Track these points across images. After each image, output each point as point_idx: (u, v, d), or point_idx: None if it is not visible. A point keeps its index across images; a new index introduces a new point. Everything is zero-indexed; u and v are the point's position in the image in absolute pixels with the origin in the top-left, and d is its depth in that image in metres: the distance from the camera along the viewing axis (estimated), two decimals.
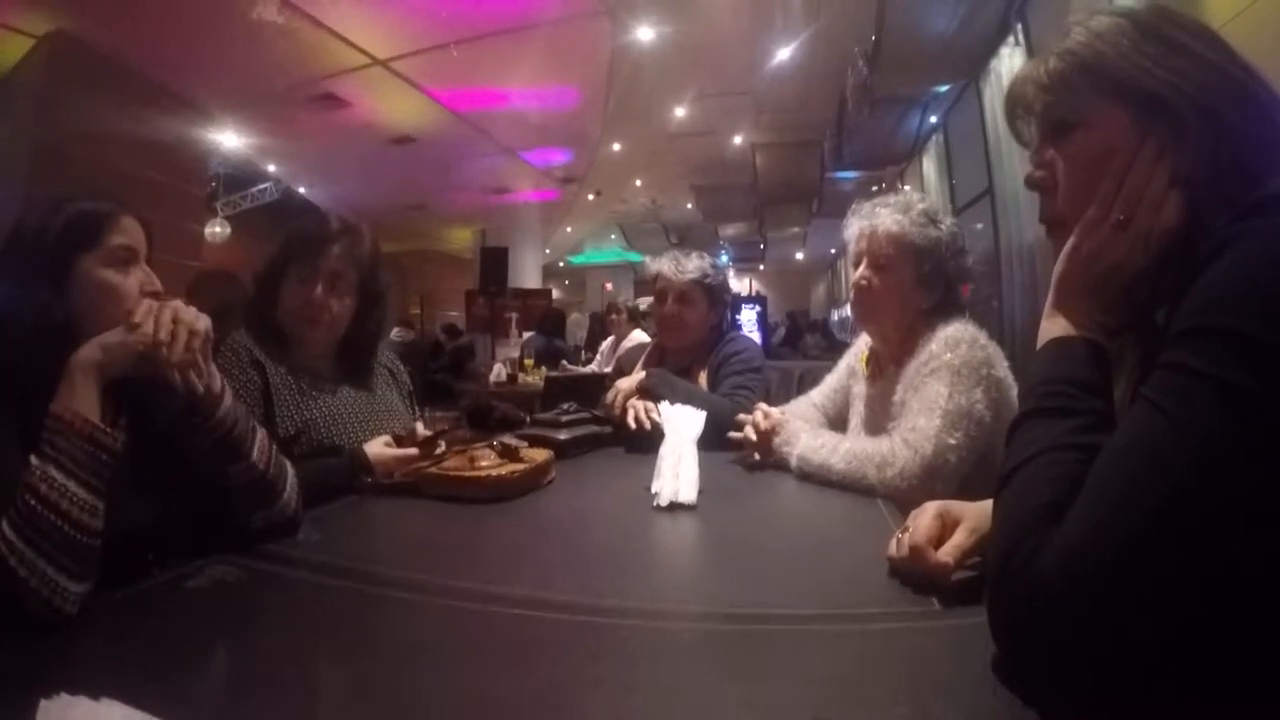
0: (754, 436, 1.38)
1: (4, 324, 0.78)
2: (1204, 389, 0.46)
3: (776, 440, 1.34)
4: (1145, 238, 0.58)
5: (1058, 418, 0.56)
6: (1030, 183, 0.67)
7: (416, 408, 1.55)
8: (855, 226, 1.39)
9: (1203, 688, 0.45)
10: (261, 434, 0.93)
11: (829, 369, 1.68)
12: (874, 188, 7.79)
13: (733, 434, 1.42)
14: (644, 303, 4.16)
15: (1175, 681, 0.45)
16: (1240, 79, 0.58)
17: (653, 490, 1.09)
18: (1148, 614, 0.45)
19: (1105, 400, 0.57)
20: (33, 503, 0.66)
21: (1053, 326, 0.63)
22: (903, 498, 1.10)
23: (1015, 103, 0.68)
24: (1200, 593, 0.45)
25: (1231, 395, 0.45)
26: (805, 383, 1.97)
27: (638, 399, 1.65)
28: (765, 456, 1.37)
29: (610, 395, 1.73)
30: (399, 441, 1.26)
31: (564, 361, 5.39)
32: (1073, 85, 0.62)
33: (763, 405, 1.44)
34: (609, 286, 15.24)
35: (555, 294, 11.53)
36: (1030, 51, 4.11)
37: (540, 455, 1.26)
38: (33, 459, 0.69)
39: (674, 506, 1.05)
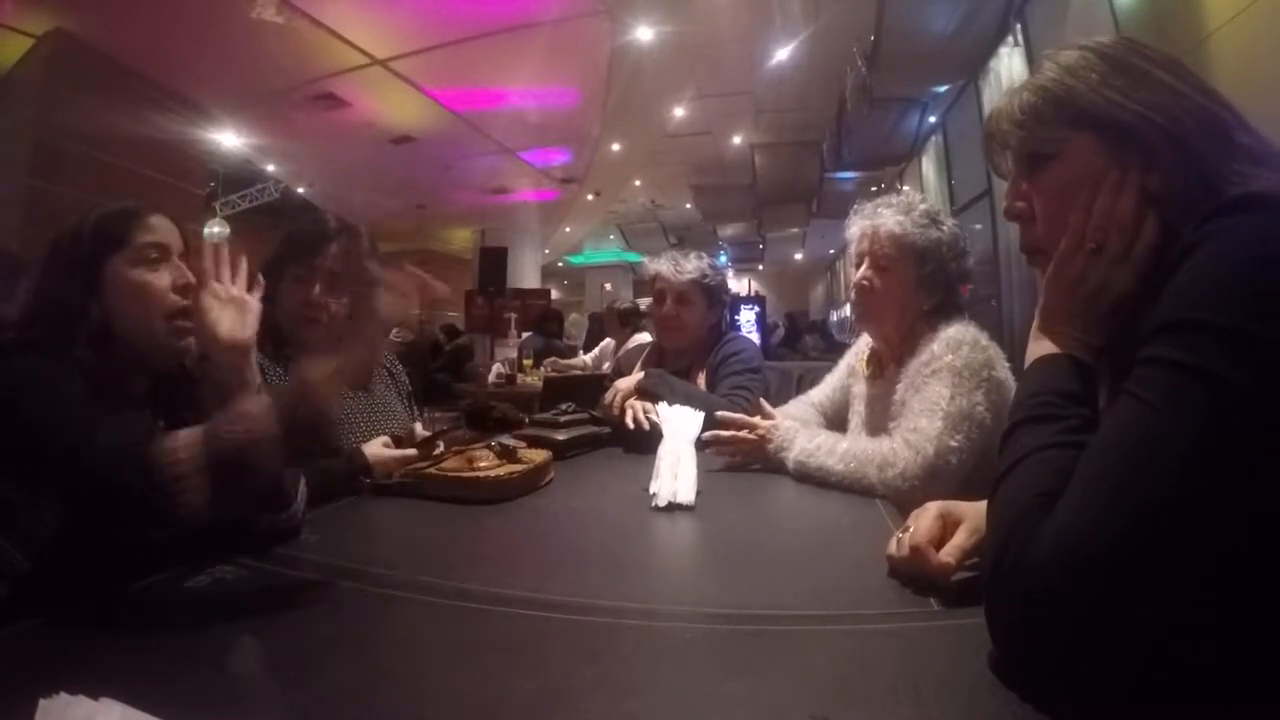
0: (726, 439, 1.38)
1: (65, 320, 0.82)
2: (1184, 378, 0.48)
3: (771, 445, 1.34)
4: (1128, 259, 0.60)
5: (1046, 423, 0.58)
6: (1009, 214, 0.70)
7: (415, 408, 1.54)
8: (857, 226, 1.39)
9: (1199, 677, 0.45)
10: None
11: (828, 369, 1.68)
12: (873, 188, 7.80)
13: (714, 447, 1.38)
14: (643, 303, 4.15)
15: (1171, 672, 0.45)
16: (1202, 103, 0.60)
17: (651, 491, 1.08)
18: (1141, 603, 0.45)
19: (1091, 409, 0.59)
20: None
21: (1038, 348, 0.65)
22: (904, 498, 1.10)
23: (990, 138, 0.71)
24: (1194, 579, 0.45)
25: (1211, 384, 0.46)
26: (804, 383, 1.97)
27: (636, 399, 1.65)
28: (747, 460, 1.37)
29: (609, 395, 1.73)
30: (398, 442, 1.26)
31: (556, 359, 5.36)
32: (1045, 119, 0.64)
33: (744, 418, 1.40)
34: (607, 286, 15.24)
35: (554, 294, 11.52)
36: (1029, 51, 4.11)
37: (538, 456, 1.25)
38: None
39: (672, 507, 1.05)
